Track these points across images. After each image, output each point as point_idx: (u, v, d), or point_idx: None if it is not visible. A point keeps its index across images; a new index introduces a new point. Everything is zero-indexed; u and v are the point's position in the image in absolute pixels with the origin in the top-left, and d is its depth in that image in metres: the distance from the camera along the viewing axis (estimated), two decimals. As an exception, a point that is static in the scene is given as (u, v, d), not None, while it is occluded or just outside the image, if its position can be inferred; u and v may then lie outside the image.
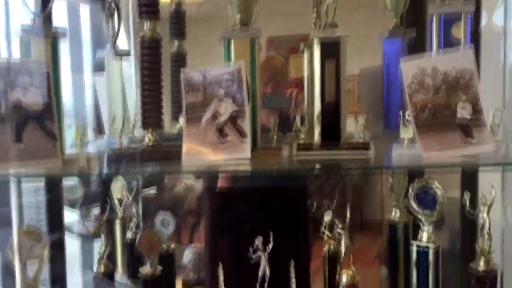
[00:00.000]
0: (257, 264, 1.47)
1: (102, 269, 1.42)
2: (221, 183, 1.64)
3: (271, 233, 1.48)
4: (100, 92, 1.67)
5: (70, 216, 2.37)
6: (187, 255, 1.82)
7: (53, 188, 1.73)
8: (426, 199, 1.41)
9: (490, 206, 1.30)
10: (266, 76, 1.97)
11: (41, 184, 1.73)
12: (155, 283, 1.42)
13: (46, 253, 1.21)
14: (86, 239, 2.40)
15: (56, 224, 1.66)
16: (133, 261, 1.72)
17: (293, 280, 1.49)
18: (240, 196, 1.58)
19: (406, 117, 1.29)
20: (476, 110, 1.21)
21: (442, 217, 2.18)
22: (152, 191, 2.91)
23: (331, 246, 1.66)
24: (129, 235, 1.76)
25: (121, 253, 1.87)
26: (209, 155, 1.26)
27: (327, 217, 1.50)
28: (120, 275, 1.88)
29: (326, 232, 1.57)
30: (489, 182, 1.33)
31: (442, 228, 2.12)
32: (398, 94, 1.40)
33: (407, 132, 1.30)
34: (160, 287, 1.44)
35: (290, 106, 1.90)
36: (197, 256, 1.82)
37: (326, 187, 1.91)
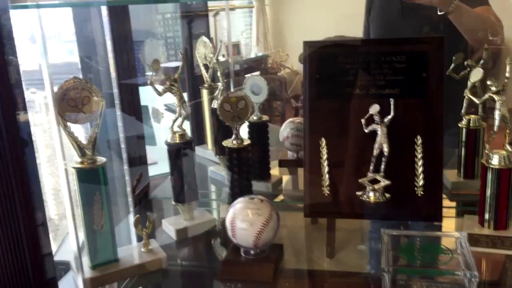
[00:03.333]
0: (372, 139, 1.12)
1: (176, 139, 1.15)
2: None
3: (391, 100, 1.11)
4: None
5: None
6: (285, 129, 1.51)
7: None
8: None
9: None
10: None
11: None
12: (241, 156, 1.14)
13: (101, 112, 0.96)
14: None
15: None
16: (222, 135, 1.47)
17: (421, 161, 1.13)
18: (350, 48, 1.19)
19: None
20: None
21: None
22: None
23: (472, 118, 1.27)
24: (215, 105, 1.49)
25: (210, 126, 1.63)
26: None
27: (476, 76, 1.07)
28: (209, 150, 1.66)
29: (469, 95, 1.15)
30: None
31: None
32: None
33: None
34: (247, 160, 1.15)
35: None
36: (298, 132, 1.51)
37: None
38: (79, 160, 0.95)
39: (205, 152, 1.66)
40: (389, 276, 0.91)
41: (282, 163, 1.55)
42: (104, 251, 1.00)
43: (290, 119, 1.56)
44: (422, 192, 1.13)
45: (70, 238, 0.94)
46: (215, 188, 1.53)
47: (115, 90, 1.40)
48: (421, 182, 1.13)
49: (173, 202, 1.20)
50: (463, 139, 1.30)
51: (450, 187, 1.33)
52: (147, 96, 1.89)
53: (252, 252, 1.02)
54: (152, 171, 1.66)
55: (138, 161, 1.53)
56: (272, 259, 1.02)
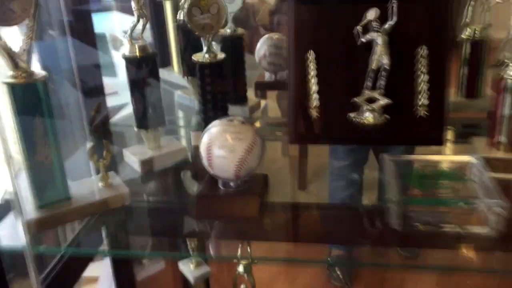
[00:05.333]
0: (367, 50, 0.95)
1: (136, 51, 0.95)
2: None
3: (394, 2, 0.93)
4: None
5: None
6: (262, 47, 1.33)
7: None
8: None
9: None
10: None
11: None
12: (215, 72, 0.95)
13: (34, 11, 0.74)
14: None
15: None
16: (190, 52, 1.27)
17: (425, 76, 0.97)
18: None
19: None
20: None
21: None
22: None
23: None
24: (181, 16, 1.27)
25: (175, 44, 1.42)
26: None
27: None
28: (175, 74, 1.45)
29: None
30: None
31: None
32: None
33: None
34: (222, 78, 0.97)
35: None
36: (277, 49, 1.32)
37: None
38: (11, 73, 0.75)
39: (171, 75, 1.45)
40: (399, 207, 0.77)
41: (258, 86, 1.37)
42: (52, 186, 0.82)
43: (268, 35, 1.37)
44: (425, 112, 0.99)
45: (5, 172, 0.75)
46: (183, 114, 1.35)
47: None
48: (424, 101, 0.98)
49: (136, 129, 1.02)
50: (466, 52, 1.14)
51: (450, 107, 1.19)
52: (104, 24, 1.68)
53: (232, 184, 0.86)
54: (112, 101, 1.47)
55: (94, 91, 1.33)
56: (256, 191, 0.86)
